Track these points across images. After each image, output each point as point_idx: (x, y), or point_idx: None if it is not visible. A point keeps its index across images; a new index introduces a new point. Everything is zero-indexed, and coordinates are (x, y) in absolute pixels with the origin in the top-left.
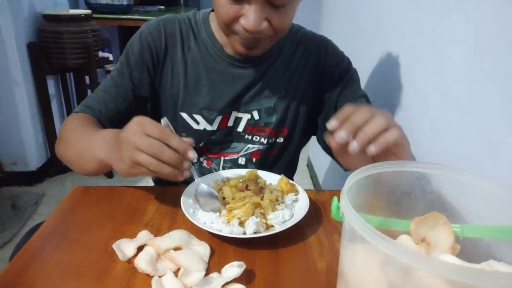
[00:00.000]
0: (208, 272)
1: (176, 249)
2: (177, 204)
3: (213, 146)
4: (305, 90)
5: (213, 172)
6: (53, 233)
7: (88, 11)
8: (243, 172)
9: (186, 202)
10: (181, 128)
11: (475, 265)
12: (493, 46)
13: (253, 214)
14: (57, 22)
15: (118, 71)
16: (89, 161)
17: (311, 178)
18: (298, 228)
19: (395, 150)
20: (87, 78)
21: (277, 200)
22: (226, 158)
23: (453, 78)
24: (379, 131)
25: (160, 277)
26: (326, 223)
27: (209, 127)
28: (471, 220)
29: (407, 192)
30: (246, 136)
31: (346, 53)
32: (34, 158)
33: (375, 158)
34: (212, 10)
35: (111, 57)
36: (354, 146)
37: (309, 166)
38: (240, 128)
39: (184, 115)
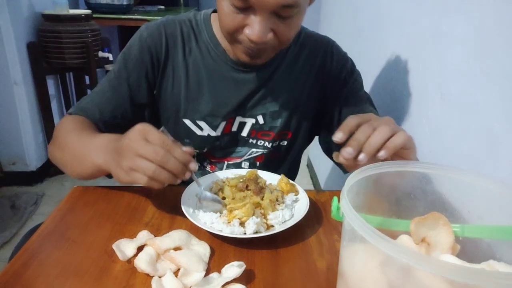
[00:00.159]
0: (208, 272)
1: (176, 249)
2: (177, 204)
3: (216, 151)
4: (310, 93)
5: None
6: (53, 233)
7: (88, 11)
8: (243, 172)
9: (186, 202)
10: (184, 135)
11: (475, 265)
12: (493, 46)
13: (253, 214)
14: (56, 22)
15: (115, 73)
16: (85, 165)
17: (311, 178)
18: (298, 228)
19: (403, 153)
20: (87, 78)
21: (277, 200)
22: (229, 162)
23: (453, 78)
24: (385, 139)
25: (160, 277)
26: (326, 223)
27: (213, 133)
28: (471, 220)
29: (407, 192)
30: (251, 141)
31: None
32: (33, 158)
33: None
34: (214, 11)
35: (111, 57)
36: (362, 157)
37: (309, 166)
38: (244, 133)
39: (187, 121)
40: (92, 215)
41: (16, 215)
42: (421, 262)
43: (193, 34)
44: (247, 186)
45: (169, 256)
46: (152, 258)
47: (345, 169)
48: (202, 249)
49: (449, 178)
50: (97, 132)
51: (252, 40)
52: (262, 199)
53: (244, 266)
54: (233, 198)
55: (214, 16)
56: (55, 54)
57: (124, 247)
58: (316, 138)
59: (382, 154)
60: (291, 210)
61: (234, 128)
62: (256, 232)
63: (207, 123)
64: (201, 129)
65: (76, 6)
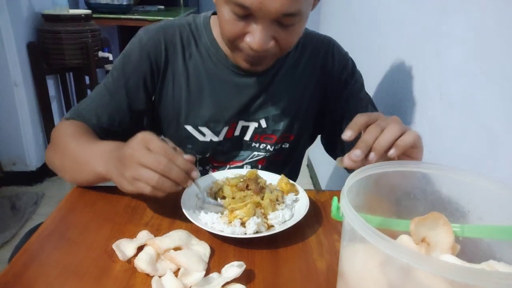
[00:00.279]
0: (208, 272)
1: (176, 249)
2: (177, 204)
3: (219, 155)
4: (312, 94)
5: None
6: (53, 233)
7: (88, 11)
8: (243, 172)
9: (186, 202)
10: (186, 141)
11: (475, 265)
12: (493, 46)
13: (254, 214)
14: (56, 22)
15: (113, 78)
16: (85, 172)
17: (311, 178)
18: (298, 228)
19: (411, 152)
20: (87, 78)
21: (277, 200)
22: (231, 166)
23: (453, 78)
24: (395, 138)
25: (160, 277)
26: (326, 223)
27: (215, 138)
28: (471, 220)
29: (407, 192)
30: (253, 144)
31: None
32: (33, 158)
33: None
34: (213, 13)
35: (111, 57)
36: (372, 156)
37: (309, 166)
38: (247, 137)
39: (189, 127)
40: (92, 215)
41: (16, 216)
42: (421, 262)
43: (193, 38)
44: (247, 186)
45: (169, 256)
46: (152, 258)
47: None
48: (202, 249)
49: (449, 178)
50: (97, 139)
51: (253, 48)
52: (262, 199)
53: (244, 266)
54: (233, 198)
55: (214, 19)
56: (55, 54)
57: (124, 247)
58: (318, 138)
59: (392, 152)
60: (291, 210)
61: (237, 133)
62: (256, 232)
63: (209, 128)
64: (203, 135)
65: (76, 6)
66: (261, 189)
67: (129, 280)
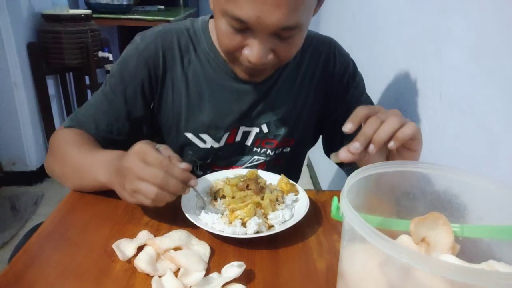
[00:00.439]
0: (208, 272)
1: (176, 249)
2: (177, 204)
3: (220, 161)
4: (314, 98)
5: None
6: (52, 233)
7: (88, 11)
8: (243, 172)
9: (187, 203)
10: (187, 148)
11: (475, 265)
12: (493, 46)
13: (255, 215)
14: (56, 22)
15: (111, 86)
16: (87, 181)
17: (311, 178)
18: (298, 228)
19: (411, 145)
20: (87, 78)
21: (277, 200)
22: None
23: (452, 78)
24: (395, 130)
25: (160, 277)
26: (326, 223)
27: (216, 144)
28: (471, 220)
29: (407, 192)
30: (254, 149)
31: None
32: (33, 158)
33: (391, 160)
34: (211, 17)
35: (111, 57)
36: (372, 148)
37: (309, 166)
38: (248, 142)
39: (189, 135)
40: (91, 215)
41: (16, 216)
42: (421, 262)
43: (192, 44)
44: (247, 186)
45: (169, 256)
46: (152, 258)
47: (346, 168)
48: (202, 249)
49: (449, 178)
50: (98, 147)
51: (251, 62)
52: (262, 199)
53: (244, 266)
54: (233, 197)
55: (212, 23)
56: (55, 55)
57: (124, 247)
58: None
59: (391, 144)
60: (291, 210)
61: (238, 138)
62: (257, 232)
63: (209, 135)
64: (203, 141)
65: (76, 6)
66: (261, 189)
67: (129, 280)
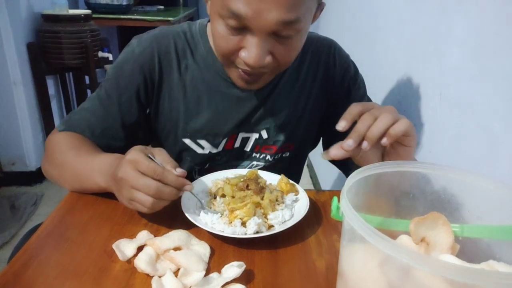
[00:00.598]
0: (208, 272)
1: (176, 249)
2: (177, 204)
3: (218, 166)
4: (315, 101)
5: None
6: (52, 233)
7: (88, 11)
8: (243, 172)
9: (186, 203)
10: (184, 153)
11: (474, 265)
12: (493, 46)
13: (254, 215)
14: (56, 22)
15: (106, 91)
16: (87, 184)
17: (311, 178)
18: (298, 228)
19: (404, 140)
20: (86, 78)
21: (277, 200)
22: None
23: (452, 78)
24: (387, 126)
25: (160, 277)
26: (326, 223)
27: (214, 150)
28: (471, 220)
29: (407, 192)
30: (254, 155)
31: None
32: (33, 158)
33: (386, 156)
34: (209, 21)
35: (110, 57)
36: (365, 144)
37: (309, 166)
38: (247, 148)
39: (187, 140)
40: (91, 215)
41: (15, 216)
42: (421, 262)
43: (189, 48)
44: (247, 186)
45: (169, 256)
46: (152, 258)
47: (343, 168)
48: (202, 249)
49: (449, 178)
50: (96, 150)
51: (248, 64)
52: (262, 199)
53: (244, 266)
54: (233, 197)
55: (210, 27)
56: (55, 55)
57: (124, 247)
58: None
59: (384, 141)
60: (291, 210)
61: (237, 144)
62: (256, 232)
63: (207, 141)
64: (202, 147)
65: (76, 6)
66: (261, 189)
67: (129, 280)
